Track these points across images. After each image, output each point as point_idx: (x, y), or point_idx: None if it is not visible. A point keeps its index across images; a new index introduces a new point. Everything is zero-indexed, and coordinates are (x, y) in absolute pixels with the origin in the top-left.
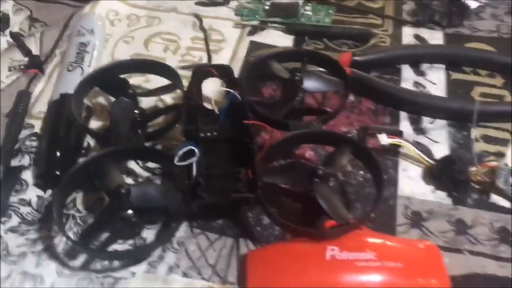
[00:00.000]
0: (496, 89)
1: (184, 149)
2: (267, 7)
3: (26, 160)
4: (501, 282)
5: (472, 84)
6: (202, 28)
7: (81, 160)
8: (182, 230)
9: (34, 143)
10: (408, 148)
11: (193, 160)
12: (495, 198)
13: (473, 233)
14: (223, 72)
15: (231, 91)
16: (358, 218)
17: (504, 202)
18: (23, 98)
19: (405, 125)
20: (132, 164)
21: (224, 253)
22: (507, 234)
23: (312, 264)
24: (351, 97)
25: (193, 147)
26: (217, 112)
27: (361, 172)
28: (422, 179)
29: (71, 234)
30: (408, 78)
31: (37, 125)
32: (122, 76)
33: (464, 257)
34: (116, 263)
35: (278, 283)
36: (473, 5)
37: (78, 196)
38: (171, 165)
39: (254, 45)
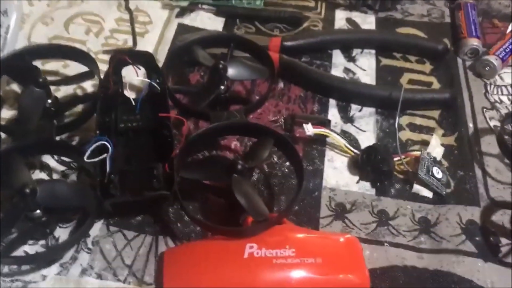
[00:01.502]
0: (424, 76)
1: (94, 145)
2: None
3: None
4: (420, 273)
5: (401, 70)
6: (127, 9)
7: None
8: (98, 229)
9: None
10: (333, 138)
11: (105, 156)
12: (417, 188)
13: (394, 224)
14: (144, 59)
15: (147, 80)
16: (278, 214)
17: (426, 192)
18: None
19: (333, 113)
20: (46, 158)
21: (142, 251)
22: (427, 224)
23: (230, 263)
24: (280, 84)
25: (105, 142)
26: (133, 101)
27: (287, 163)
28: (348, 170)
29: None
30: (338, 64)
31: None
32: (35, 62)
33: (384, 249)
34: (25, 265)
35: (194, 283)
36: None
37: None
38: (83, 160)
39: (182, 28)
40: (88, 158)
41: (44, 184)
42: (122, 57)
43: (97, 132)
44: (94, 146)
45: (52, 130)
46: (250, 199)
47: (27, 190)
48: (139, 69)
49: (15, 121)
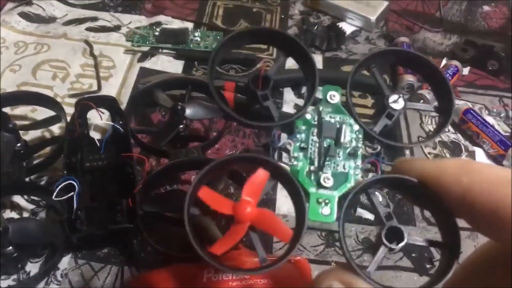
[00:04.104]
0: (367, 109)
1: (62, 184)
2: (157, 33)
3: None
4: None
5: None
6: (92, 55)
7: None
8: (67, 262)
9: None
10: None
11: (72, 194)
12: (360, 211)
13: (338, 245)
14: (107, 103)
15: (111, 123)
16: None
17: (368, 215)
18: None
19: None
20: (17, 197)
21: (108, 281)
22: (370, 244)
23: (190, 286)
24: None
25: (72, 181)
26: (97, 142)
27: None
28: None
29: None
30: (289, 100)
31: None
32: (4, 108)
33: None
34: None
35: None
36: (349, 30)
37: None
38: (51, 198)
39: (144, 71)
40: (56, 196)
41: (15, 223)
42: (87, 103)
43: (65, 172)
44: (62, 185)
45: (22, 172)
46: (205, 227)
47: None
48: (103, 113)
49: None
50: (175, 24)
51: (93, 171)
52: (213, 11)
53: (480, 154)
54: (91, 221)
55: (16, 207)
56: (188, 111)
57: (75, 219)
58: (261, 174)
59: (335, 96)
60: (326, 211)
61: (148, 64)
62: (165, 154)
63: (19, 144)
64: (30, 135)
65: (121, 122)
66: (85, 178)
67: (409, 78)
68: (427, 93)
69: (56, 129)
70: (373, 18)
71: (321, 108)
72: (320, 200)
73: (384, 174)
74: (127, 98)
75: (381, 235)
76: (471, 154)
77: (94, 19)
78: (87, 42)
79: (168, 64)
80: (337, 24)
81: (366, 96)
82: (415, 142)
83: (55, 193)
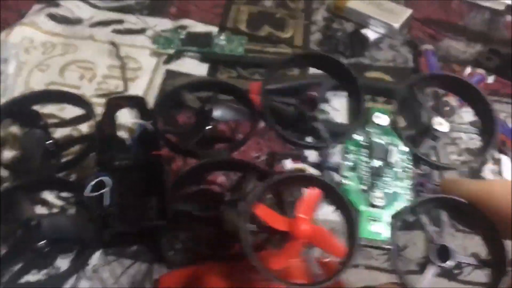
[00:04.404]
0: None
1: (94, 181)
2: (182, 37)
3: None
4: None
5: (370, 110)
6: (118, 56)
7: None
8: (96, 258)
9: None
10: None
11: (104, 191)
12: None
13: (368, 249)
14: (136, 102)
15: (141, 122)
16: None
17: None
18: None
19: (310, 151)
20: (46, 194)
21: (138, 279)
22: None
23: None
24: (262, 124)
25: (103, 178)
26: (127, 141)
27: (270, 196)
28: (324, 201)
29: None
30: (340, 108)
31: None
32: (34, 106)
33: (360, 271)
34: None
35: None
36: (372, 36)
37: None
38: (83, 195)
39: (169, 74)
40: (88, 193)
41: (47, 218)
42: (117, 102)
43: (96, 169)
44: (94, 181)
45: (53, 169)
46: (237, 227)
47: (33, 223)
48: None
49: (17, 160)
50: (200, 27)
51: (122, 169)
52: (237, 16)
53: (506, 162)
54: (123, 218)
55: (45, 203)
56: (216, 113)
57: (107, 216)
58: (314, 193)
59: (381, 118)
60: (377, 228)
61: (174, 66)
62: (194, 154)
63: (49, 142)
64: (58, 133)
65: (149, 122)
66: (114, 176)
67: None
68: (453, 101)
69: (84, 127)
70: (396, 25)
71: (370, 130)
72: (371, 218)
73: (433, 194)
74: (153, 99)
75: (431, 254)
76: (497, 162)
77: (120, 21)
78: (113, 43)
79: (193, 67)
80: (361, 30)
81: (390, 101)
82: (463, 162)
83: (88, 189)
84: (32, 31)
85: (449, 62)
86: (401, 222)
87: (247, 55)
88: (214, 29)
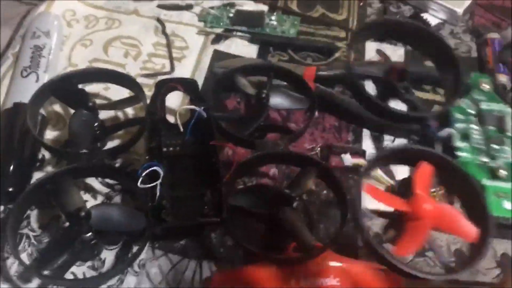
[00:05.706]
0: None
1: (147, 171)
2: (231, 15)
3: None
4: None
5: (431, 103)
6: (164, 34)
7: (36, 175)
8: (144, 252)
9: None
10: None
11: (157, 182)
12: None
13: (431, 256)
14: (189, 86)
15: (197, 108)
16: (324, 245)
17: None
18: None
19: (367, 143)
20: (91, 180)
21: (186, 276)
22: (462, 255)
23: None
24: (315, 113)
25: (157, 168)
26: (181, 127)
27: (324, 191)
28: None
29: (25, 256)
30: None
31: None
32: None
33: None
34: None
35: None
36: (433, 21)
37: (33, 214)
38: (132, 183)
39: (218, 54)
40: (141, 184)
41: (97, 208)
42: (173, 85)
43: (147, 157)
44: (147, 171)
45: (102, 154)
46: (298, 229)
47: (83, 214)
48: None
49: (65, 143)
50: (249, 6)
51: (171, 157)
52: None
53: None
54: (178, 212)
55: (90, 189)
56: (272, 100)
57: (160, 209)
58: (427, 168)
59: (486, 84)
60: (509, 205)
61: (222, 46)
62: (249, 144)
63: (96, 124)
64: (101, 115)
65: (202, 108)
66: (164, 164)
67: (501, 78)
68: None
69: (129, 110)
70: (459, 10)
71: (477, 97)
72: (500, 193)
73: None
74: (201, 81)
75: None
76: None
77: None
78: (159, 20)
79: (242, 48)
80: (421, 15)
81: (437, 91)
82: None
83: (140, 180)
84: (74, 3)
85: None
86: None
87: (299, 37)
88: (264, 8)
